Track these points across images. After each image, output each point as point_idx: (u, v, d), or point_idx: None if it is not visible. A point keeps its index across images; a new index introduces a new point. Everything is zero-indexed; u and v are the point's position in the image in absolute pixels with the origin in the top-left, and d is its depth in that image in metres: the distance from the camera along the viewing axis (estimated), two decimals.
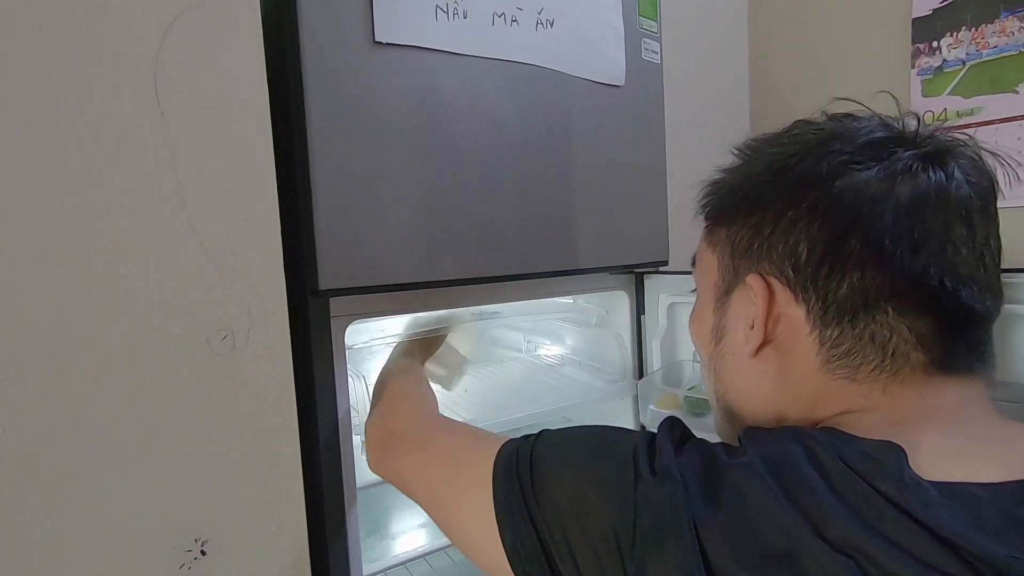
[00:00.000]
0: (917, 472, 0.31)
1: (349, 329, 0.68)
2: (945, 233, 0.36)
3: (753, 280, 0.41)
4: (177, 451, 0.48)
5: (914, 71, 1.53)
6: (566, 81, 0.77)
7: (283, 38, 0.60)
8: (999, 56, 1.41)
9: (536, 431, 0.43)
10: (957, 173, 0.37)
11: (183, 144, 0.48)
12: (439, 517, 0.48)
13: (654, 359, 0.91)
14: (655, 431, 0.40)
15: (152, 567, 0.48)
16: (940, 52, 1.49)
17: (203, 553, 0.49)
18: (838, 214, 0.37)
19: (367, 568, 0.81)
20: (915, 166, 0.37)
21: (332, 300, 0.65)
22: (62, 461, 0.45)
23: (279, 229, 0.52)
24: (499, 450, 0.42)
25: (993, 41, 1.42)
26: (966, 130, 1.32)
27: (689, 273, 0.83)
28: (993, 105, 1.42)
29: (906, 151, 0.37)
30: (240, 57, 0.50)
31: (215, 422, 0.50)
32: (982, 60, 1.44)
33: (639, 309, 0.94)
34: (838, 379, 0.38)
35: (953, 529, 0.28)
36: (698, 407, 0.83)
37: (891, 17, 1.58)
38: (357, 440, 0.68)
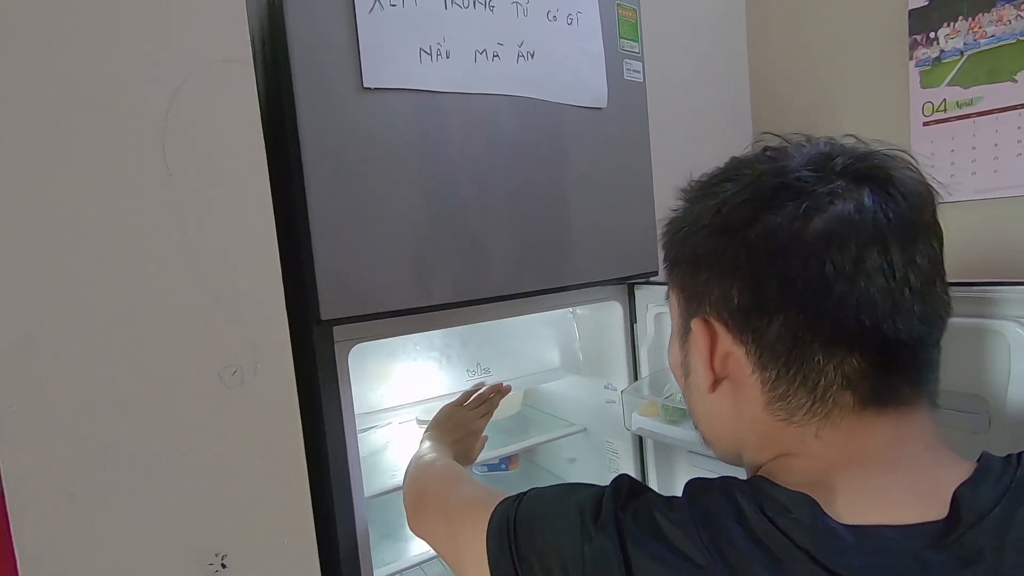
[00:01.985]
0: (835, 517, 0.33)
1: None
2: (856, 267, 0.35)
3: (695, 324, 0.43)
4: (197, 475, 0.54)
5: (912, 62, 1.53)
6: (551, 107, 0.81)
7: (279, 89, 0.65)
8: (997, 45, 1.40)
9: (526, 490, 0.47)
10: (869, 201, 0.36)
11: (189, 199, 0.53)
12: (453, 568, 0.53)
13: (643, 367, 0.95)
14: (608, 486, 0.42)
15: None
16: (937, 43, 1.49)
17: (223, 566, 0.55)
18: (756, 261, 0.38)
19: (381, 571, 0.87)
20: (824, 203, 0.36)
21: (335, 328, 0.70)
22: (94, 487, 0.50)
23: (280, 271, 0.57)
24: (492, 512, 0.46)
25: (991, 30, 1.42)
26: (966, 120, 1.32)
27: None
28: (992, 95, 1.42)
29: (822, 187, 0.37)
30: (239, 116, 0.55)
31: (229, 448, 0.55)
32: (980, 50, 1.43)
33: (631, 318, 0.98)
34: (778, 420, 0.40)
35: (849, 569, 0.30)
36: (674, 415, 0.85)
37: (888, 8, 1.57)
38: (366, 449, 0.73)
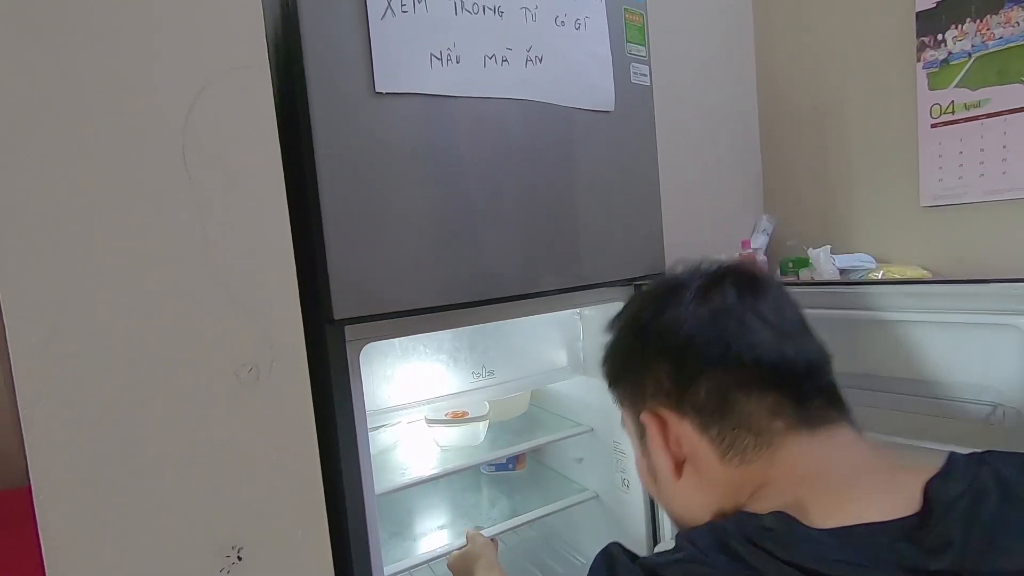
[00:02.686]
0: (812, 526, 0.37)
1: None
2: (740, 326, 0.46)
3: (645, 418, 0.50)
4: (214, 469, 0.55)
5: (919, 64, 1.53)
6: (559, 111, 0.82)
7: (293, 95, 0.66)
8: (1005, 47, 1.40)
9: None
10: (729, 287, 0.49)
11: (208, 202, 0.55)
12: None
13: None
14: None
15: (196, 571, 0.55)
16: (945, 45, 1.49)
17: (239, 559, 0.56)
18: (670, 344, 0.49)
19: (392, 568, 0.88)
20: (700, 293, 0.49)
21: (347, 327, 0.72)
22: (116, 479, 0.52)
23: (295, 272, 0.59)
24: None
25: (999, 32, 1.41)
26: (974, 122, 1.32)
27: None
28: (1001, 96, 1.41)
29: (694, 286, 0.50)
30: (256, 121, 0.57)
31: (245, 444, 0.57)
32: (988, 51, 1.43)
33: None
34: (736, 467, 0.46)
35: (838, 567, 0.33)
36: None
37: (895, 11, 1.57)
38: (376, 447, 0.75)
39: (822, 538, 0.36)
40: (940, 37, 1.51)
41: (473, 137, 0.75)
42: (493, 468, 1.26)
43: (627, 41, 0.88)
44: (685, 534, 0.41)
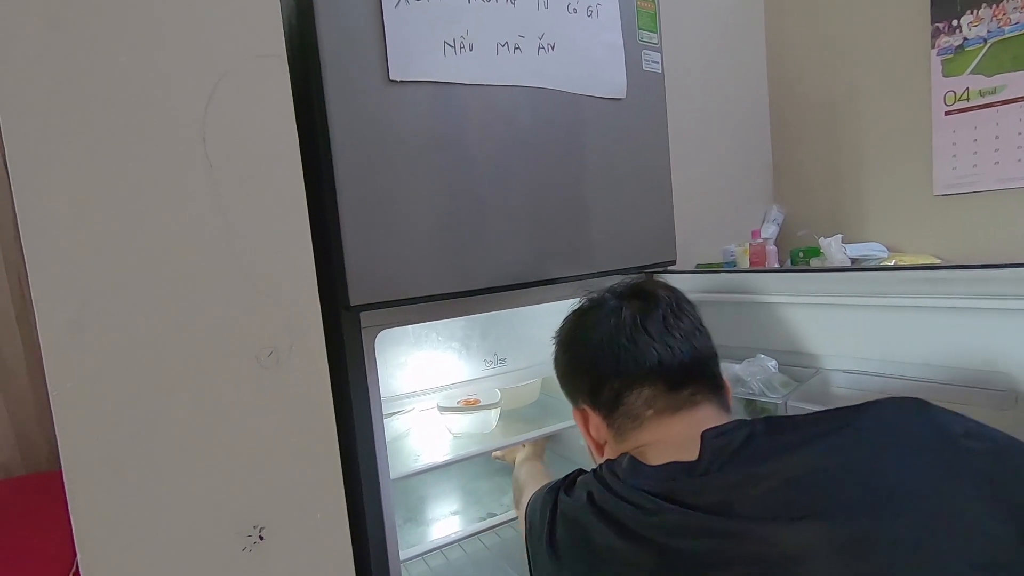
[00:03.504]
0: (645, 462, 0.56)
1: None
2: (630, 342, 0.61)
3: (575, 414, 0.69)
4: (236, 451, 0.57)
5: (934, 51, 1.51)
6: (571, 99, 0.82)
7: (309, 84, 0.67)
8: (1022, 32, 1.38)
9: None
10: (626, 310, 0.63)
11: (228, 191, 0.56)
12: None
13: None
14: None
15: (220, 549, 0.56)
16: (960, 31, 1.47)
17: (261, 538, 0.58)
18: (583, 359, 0.65)
19: (405, 552, 0.90)
20: (603, 318, 0.64)
21: (363, 313, 0.73)
22: (142, 461, 0.54)
23: (312, 257, 0.60)
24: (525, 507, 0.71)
25: (1015, 17, 1.39)
26: (989, 109, 1.30)
27: (694, 272, 0.91)
28: (1017, 83, 1.40)
29: (602, 310, 0.65)
30: (273, 110, 0.58)
31: (266, 426, 0.58)
32: (1004, 37, 1.41)
33: None
34: (619, 443, 0.63)
35: (651, 487, 0.53)
36: None
37: None
38: (389, 435, 0.76)
39: (646, 470, 0.55)
40: (955, 23, 1.49)
41: (485, 125, 0.76)
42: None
43: (639, 28, 0.88)
44: (578, 471, 0.64)
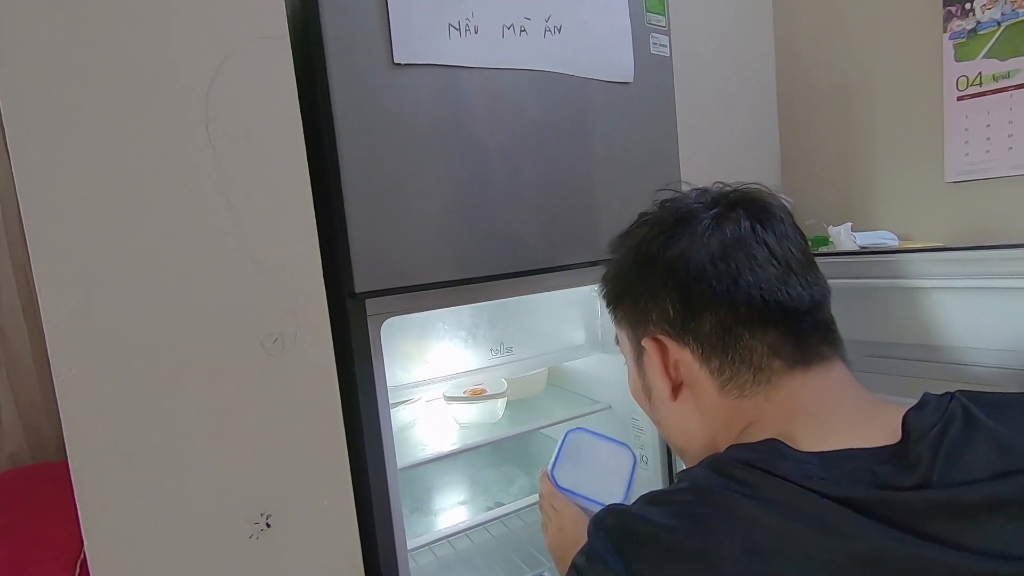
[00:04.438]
0: (799, 449, 0.41)
1: None
2: (749, 261, 0.47)
3: (646, 343, 0.52)
4: (243, 439, 0.56)
5: (946, 35, 1.48)
6: (577, 82, 0.81)
7: (312, 67, 0.66)
8: None
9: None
10: (743, 218, 0.49)
11: (232, 174, 0.55)
12: None
13: None
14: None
15: (226, 537, 0.56)
16: (973, 14, 1.44)
17: (268, 525, 0.57)
18: (678, 276, 0.49)
19: (412, 542, 0.90)
20: (712, 224, 0.49)
21: (368, 301, 0.72)
22: (149, 448, 0.53)
23: (317, 242, 0.59)
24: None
25: None
26: (1003, 94, 1.28)
27: None
28: None
29: (705, 214, 0.50)
30: (276, 93, 0.57)
31: (272, 413, 0.57)
32: (1019, 19, 1.38)
33: None
34: (733, 399, 0.48)
35: (821, 483, 0.38)
36: None
37: None
38: (395, 425, 0.75)
39: (808, 459, 0.40)
40: (968, 6, 1.46)
41: (491, 109, 0.75)
42: None
43: (646, 11, 0.87)
44: (682, 472, 0.46)
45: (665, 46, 0.89)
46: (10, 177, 1.01)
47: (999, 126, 1.43)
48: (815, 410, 0.45)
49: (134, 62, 0.52)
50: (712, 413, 0.49)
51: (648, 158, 0.90)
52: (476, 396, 1.07)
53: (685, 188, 0.53)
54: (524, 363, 1.07)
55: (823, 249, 1.55)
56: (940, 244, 1.54)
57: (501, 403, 1.08)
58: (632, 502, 0.45)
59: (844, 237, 1.52)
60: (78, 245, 0.50)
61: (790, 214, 0.52)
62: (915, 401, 0.43)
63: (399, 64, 0.67)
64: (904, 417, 0.41)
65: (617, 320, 0.57)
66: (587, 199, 0.84)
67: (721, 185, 0.53)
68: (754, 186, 0.53)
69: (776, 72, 1.91)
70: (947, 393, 0.44)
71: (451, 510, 1.10)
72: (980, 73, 1.45)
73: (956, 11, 1.47)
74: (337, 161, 0.66)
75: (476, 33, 0.70)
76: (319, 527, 0.60)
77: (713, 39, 1.77)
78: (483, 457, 1.28)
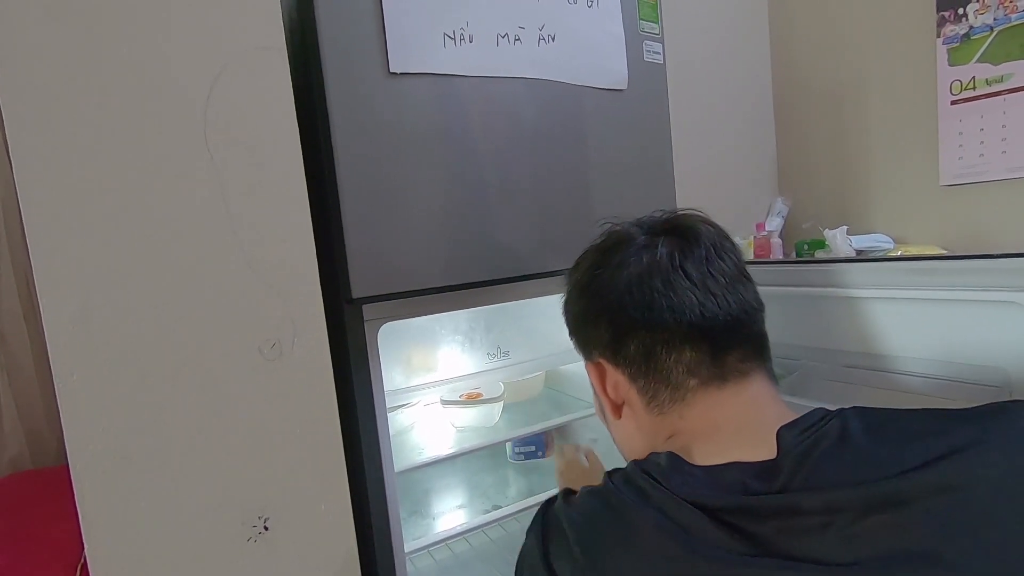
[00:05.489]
0: (692, 463, 0.45)
1: None
2: (664, 287, 0.50)
3: (588, 367, 0.57)
4: (241, 442, 0.57)
5: (939, 40, 1.49)
6: (571, 90, 0.82)
7: (309, 76, 0.67)
8: None
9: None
10: (661, 247, 0.51)
11: (230, 181, 0.56)
12: None
13: None
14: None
15: (224, 540, 0.57)
16: (966, 19, 1.45)
17: (266, 528, 0.58)
18: (604, 305, 0.53)
19: (410, 545, 0.90)
20: (635, 253, 0.52)
21: (365, 306, 0.73)
22: (150, 453, 0.54)
23: (315, 249, 0.60)
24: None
25: (1023, 4, 1.38)
26: (996, 97, 1.29)
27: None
28: None
29: (632, 245, 0.53)
30: (273, 102, 0.58)
31: (270, 417, 0.58)
32: (1011, 24, 1.39)
33: None
34: (656, 416, 0.52)
35: (699, 494, 0.42)
36: None
37: None
38: (393, 429, 0.76)
39: (695, 472, 0.44)
40: (961, 11, 1.48)
41: (486, 117, 0.76)
42: (522, 456, 1.26)
43: (640, 19, 0.88)
44: (611, 471, 0.50)
45: (659, 53, 0.90)
46: (11, 183, 1.02)
47: (993, 130, 1.44)
48: (722, 426, 0.48)
49: (134, 71, 0.53)
50: (645, 429, 0.54)
51: (642, 164, 0.91)
52: (473, 400, 1.07)
53: (626, 223, 0.57)
54: (521, 367, 1.07)
55: (819, 254, 1.57)
56: (933, 247, 1.55)
57: (498, 407, 1.09)
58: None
59: (840, 240, 1.53)
60: (78, 251, 0.51)
61: (724, 236, 0.55)
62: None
63: (395, 73, 0.68)
64: (777, 433, 0.44)
65: (576, 348, 0.61)
66: (581, 205, 0.85)
67: (660, 213, 0.57)
68: (686, 212, 0.56)
69: (772, 77, 1.92)
70: (839, 409, 0.47)
71: (449, 514, 1.11)
72: (974, 77, 1.46)
73: (949, 16, 1.49)
74: (334, 168, 0.67)
75: (471, 42, 0.72)
76: (316, 530, 0.61)
77: (709, 45, 1.78)
78: (480, 460, 1.28)
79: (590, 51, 0.82)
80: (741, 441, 0.46)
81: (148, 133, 0.54)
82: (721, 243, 0.53)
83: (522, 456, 1.26)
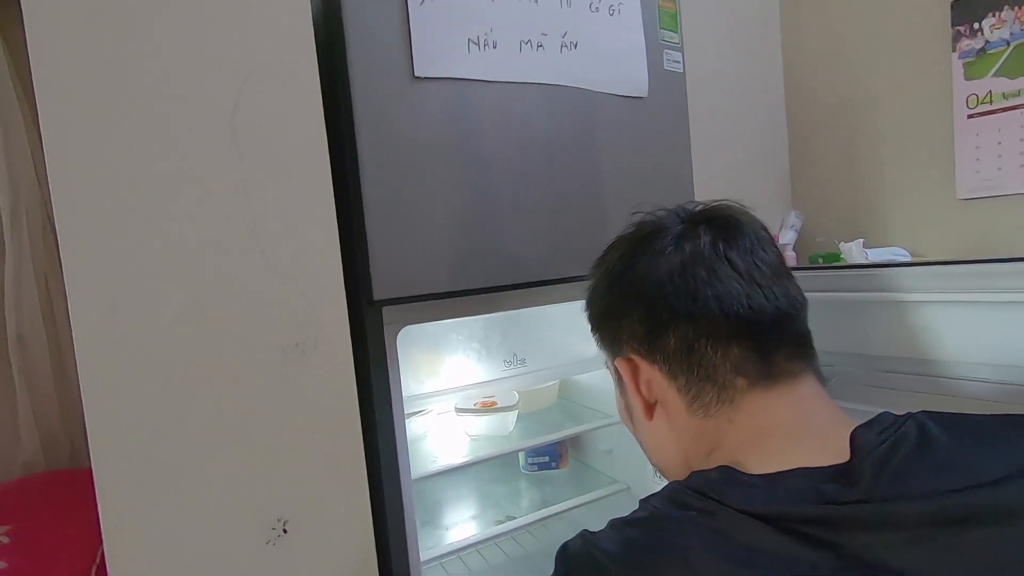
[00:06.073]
0: (751, 472, 0.41)
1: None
2: (709, 276, 0.47)
3: (619, 363, 0.52)
4: (261, 445, 0.57)
5: (955, 54, 1.50)
6: (592, 97, 0.82)
7: (335, 79, 0.68)
8: None
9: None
10: (704, 235, 0.49)
11: (257, 184, 0.56)
12: None
13: None
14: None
15: (243, 543, 0.56)
16: (982, 33, 1.45)
17: (285, 532, 0.57)
18: (641, 294, 0.49)
19: (423, 555, 0.89)
20: (674, 242, 0.49)
21: (384, 310, 0.73)
22: (171, 455, 0.54)
23: (339, 252, 0.60)
24: None
25: None
26: (1013, 111, 1.28)
27: None
28: None
29: (670, 233, 0.50)
30: (301, 105, 0.58)
31: (291, 420, 0.58)
32: None
33: None
34: (700, 418, 0.48)
35: (765, 505, 0.38)
36: None
37: (928, 0, 1.54)
38: (412, 433, 0.75)
39: (755, 482, 0.40)
40: (976, 26, 1.48)
41: (507, 122, 0.76)
42: (536, 467, 1.24)
43: (660, 28, 0.88)
44: (644, 499, 0.45)
45: (678, 62, 0.91)
46: (36, 187, 1.03)
47: (1011, 144, 1.44)
48: (774, 431, 0.45)
49: (164, 76, 0.54)
50: (683, 432, 0.49)
51: (661, 172, 0.91)
52: (487, 408, 1.06)
53: (660, 213, 0.54)
54: (536, 375, 1.07)
55: (830, 262, 1.55)
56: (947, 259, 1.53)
57: (512, 415, 1.08)
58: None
59: (856, 253, 1.52)
60: (107, 253, 0.52)
61: (763, 228, 0.52)
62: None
63: (419, 77, 0.69)
64: (852, 435, 0.41)
65: (600, 344, 0.58)
66: (601, 211, 0.85)
67: (693, 204, 0.54)
68: (724, 203, 0.53)
69: (785, 92, 1.93)
70: (907, 413, 0.44)
71: (461, 524, 1.09)
72: (990, 91, 1.45)
73: (965, 31, 1.49)
74: (358, 170, 0.67)
75: (494, 48, 0.72)
76: (335, 534, 0.60)
77: (721, 58, 1.79)
78: (492, 471, 1.27)
79: (611, 59, 0.82)
80: (799, 445, 0.43)
81: (178, 137, 0.54)
82: (762, 234, 0.51)
83: (535, 467, 1.24)
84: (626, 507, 1.12)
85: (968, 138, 1.51)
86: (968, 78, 1.49)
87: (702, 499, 0.40)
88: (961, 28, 1.50)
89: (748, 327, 0.46)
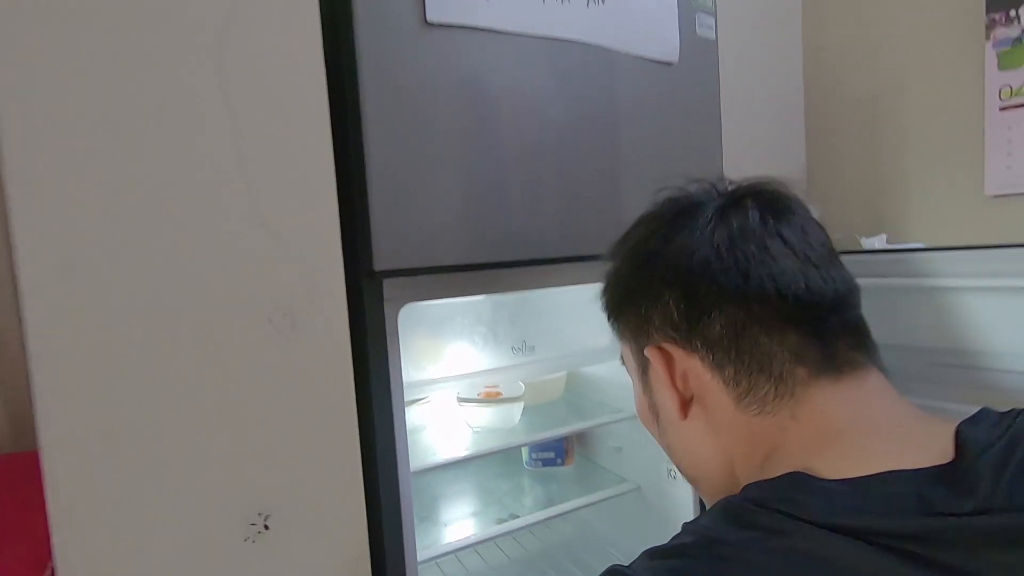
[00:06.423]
0: (827, 477, 0.34)
1: None
2: (761, 253, 0.41)
3: (649, 352, 0.45)
4: (240, 425, 0.50)
5: (989, 43, 1.43)
6: (617, 59, 0.75)
7: (338, 20, 0.60)
8: None
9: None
10: (752, 208, 0.43)
11: (247, 131, 0.49)
12: None
13: None
14: None
15: (217, 540, 0.49)
16: (1018, 21, 1.39)
17: (266, 527, 0.50)
18: (680, 273, 0.43)
19: (420, 554, 0.82)
20: (717, 215, 0.43)
21: (385, 284, 0.66)
22: (133, 435, 0.46)
23: (337, 211, 0.53)
24: None
25: None
26: None
27: None
28: None
29: (710, 207, 0.44)
30: (299, 44, 0.51)
31: (277, 399, 0.51)
32: None
33: None
34: (754, 415, 0.41)
35: (854, 515, 0.31)
36: None
37: None
38: (410, 423, 0.69)
39: (836, 488, 0.34)
40: (1013, 13, 1.41)
41: (527, 80, 0.69)
42: (540, 463, 1.17)
43: None
44: (688, 523, 0.38)
45: (711, 27, 0.83)
46: None
47: None
48: (848, 430, 0.38)
49: (144, 4, 0.46)
50: (728, 431, 0.43)
51: (689, 146, 0.84)
52: (491, 398, 1.00)
53: (692, 187, 0.48)
54: (546, 363, 1.00)
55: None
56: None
57: (518, 407, 1.01)
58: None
59: (878, 248, 1.45)
60: (61, 192, 0.44)
61: (806, 208, 0.46)
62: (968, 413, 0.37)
63: (431, 23, 0.61)
64: (957, 431, 0.36)
65: (619, 333, 0.51)
66: (621, 184, 0.78)
67: (727, 181, 0.48)
68: (769, 177, 0.47)
69: (804, 78, 1.86)
70: (1012, 409, 0.38)
71: (460, 521, 1.02)
72: None
73: (1000, 19, 1.42)
74: (360, 126, 0.60)
75: None
76: (324, 531, 0.53)
77: (739, 47, 1.72)
78: (494, 466, 1.20)
79: (641, 17, 0.75)
80: (885, 443, 0.37)
81: (155, 67, 0.47)
82: (811, 215, 0.45)
83: (540, 463, 1.17)
84: (637, 509, 1.07)
85: (999, 131, 1.44)
86: (1002, 68, 1.43)
87: (769, 515, 0.33)
88: (996, 15, 1.43)
89: (806, 311, 0.40)
